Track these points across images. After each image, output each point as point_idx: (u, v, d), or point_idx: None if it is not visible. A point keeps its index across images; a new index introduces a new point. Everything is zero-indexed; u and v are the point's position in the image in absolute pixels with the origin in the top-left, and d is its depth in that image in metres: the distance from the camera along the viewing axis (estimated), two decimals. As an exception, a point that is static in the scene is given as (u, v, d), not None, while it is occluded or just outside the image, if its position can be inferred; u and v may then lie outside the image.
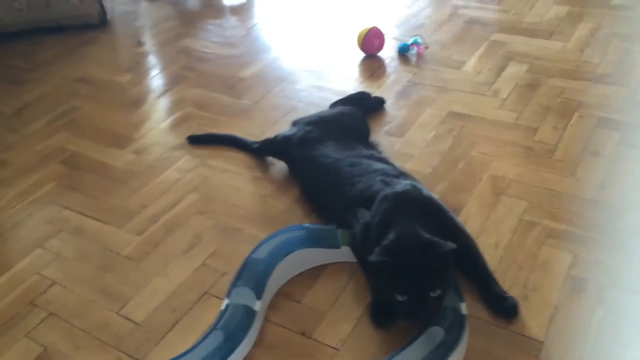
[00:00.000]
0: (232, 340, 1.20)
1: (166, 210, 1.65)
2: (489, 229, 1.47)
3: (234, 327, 1.22)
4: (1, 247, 1.59)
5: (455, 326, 1.17)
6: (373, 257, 1.16)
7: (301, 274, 1.41)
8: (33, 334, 1.32)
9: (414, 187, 1.36)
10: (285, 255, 1.37)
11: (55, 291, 1.43)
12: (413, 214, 1.26)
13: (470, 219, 1.50)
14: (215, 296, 1.37)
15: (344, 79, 2.22)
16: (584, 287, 1.30)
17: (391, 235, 1.20)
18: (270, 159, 1.81)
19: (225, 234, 1.55)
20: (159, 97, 2.27)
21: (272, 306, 1.33)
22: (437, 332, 1.15)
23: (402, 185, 1.35)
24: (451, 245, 1.14)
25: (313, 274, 1.40)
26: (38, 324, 1.34)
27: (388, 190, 1.33)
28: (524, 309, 1.26)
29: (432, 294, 1.14)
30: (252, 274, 1.33)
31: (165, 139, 1.98)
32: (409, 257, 1.15)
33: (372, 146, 1.70)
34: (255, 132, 1.95)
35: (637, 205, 1.49)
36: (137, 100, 2.25)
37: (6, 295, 1.43)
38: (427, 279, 1.14)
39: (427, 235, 1.18)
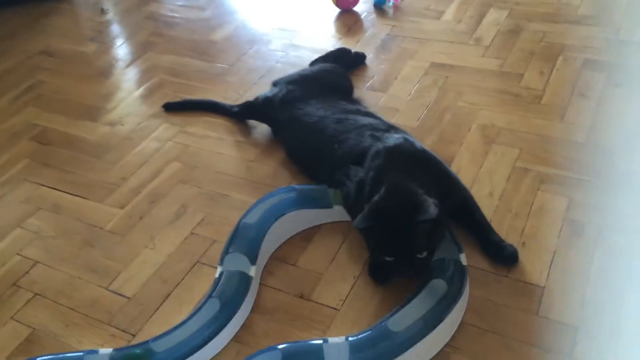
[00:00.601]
0: (229, 307, 1.16)
1: (148, 182, 1.59)
2: (482, 178, 1.44)
3: (230, 294, 1.18)
4: (-24, 230, 1.52)
5: (457, 277, 1.15)
6: (355, 223, 1.14)
7: (294, 236, 1.37)
8: (19, 316, 1.26)
9: (406, 140, 1.31)
10: (277, 218, 1.32)
11: (39, 271, 1.37)
12: (407, 168, 1.22)
13: (462, 170, 1.47)
14: (208, 265, 1.32)
15: (320, 36, 2.15)
16: (581, 230, 1.29)
17: (377, 197, 1.16)
18: (252, 122, 1.75)
19: (212, 201, 1.50)
20: (128, 65, 2.17)
21: (267, 271, 1.29)
22: (439, 285, 1.12)
23: (393, 139, 1.31)
24: (432, 214, 1.08)
25: (307, 236, 1.36)
26: (24, 306, 1.28)
27: (380, 145, 1.28)
28: (523, 256, 1.24)
29: (418, 255, 1.12)
30: (245, 240, 1.28)
31: (139, 109, 1.90)
32: (393, 220, 1.12)
33: (356, 102, 1.65)
34: (233, 95, 1.88)
35: (629, 145, 1.48)
36: (105, 71, 2.14)
37: (-14, 279, 1.37)
38: (411, 242, 1.11)
39: (418, 195, 1.13)
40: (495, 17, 2.07)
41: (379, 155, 1.27)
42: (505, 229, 1.31)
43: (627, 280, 1.17)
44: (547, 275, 1.20)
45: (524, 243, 1.27)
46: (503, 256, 1.24)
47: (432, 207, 1.10)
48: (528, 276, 1.21)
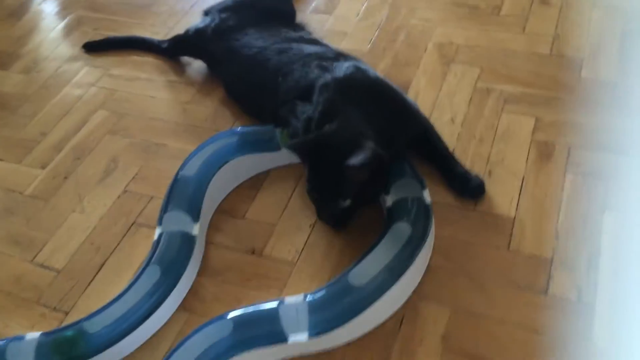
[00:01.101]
0: (171, 273, 1.03)
1: (71, 135, 1.41)
2: (442, 103, 1.31)
3: (171, 258, 1.05)
4: None
5: (421, 218, 1.04)
6: (288, 144, 1.07)
7: (240, 185, 1.23)
8: None
9: (358, 68, 1.16)
10: (220, 167, 1.18)
11: (-48, 249, 1.21)
12: (359, 101, 1.09)
13: (420, 95, 1.34)
14: (146, 225, 1.18)
15: (256, -46, 1.92)
16: (550, 151, 1.19)
17: (326, 128, 1.04)
18: (185, 59, 1.56)
19: (146, 153, 1.33)
20: (41, 3, 1.91)
21: (212, 227, 1.16)
22: (402, 228, 1.01)
23: (344, 68, 1.15)
24: (360, 162, 0.95)
25: (254, 184, 1.23)
26: (-64, 292, 1.13)
27: (328, 77, 1.13)
28: (491, 186, 1.14)
29: (341, 202, 1.03)
30: (184, 195, 1.14)
31: (57, 51, 1.68)
32: (325, 156, 1.02)
33: (299, 28, 1.47)
34: (162, 29, 1.67)
35: (595, 54, 1.36)
36: (16, 11, 1.89)
37: None
38: (335, 185, 1.02)
39: (360, 139, 1.00)
40: None
41: (327, 87, 1.12)
42: (469, 157, 1.20)
43: (601, 202, 1.08)
44: (517, 205, 1.11)
45: (490, 172, 1.17)
46: (469, 188, 1.14)
47: (365, 156, 0.96)
48: (497, 208, 1.11)
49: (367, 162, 0.96)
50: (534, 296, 0.97)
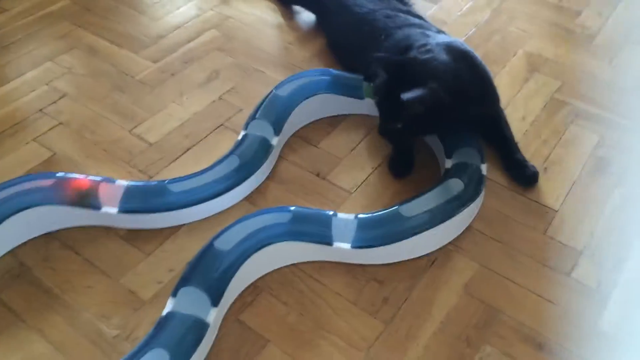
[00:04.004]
0: (247, 167, 1.18)
1: (184, 43, 1.58)
2: (518, 102, 1.42)
3: (250, 156, 1.20)
4: (10, 55, 1.53)
5: (474, 182, 1.15)
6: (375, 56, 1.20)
7: (320, 119, 1.37)
8: (42, 139, 1.30)
9: (458, 41, 1.28)
10: (308, 97, 1.32)
11: (66, 103, 1.39)
12: (452, 64, 1.17)
13: (500, 90, 1.44)
14: (231, 129, 1.33)
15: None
16: (605, 167, 1.27)
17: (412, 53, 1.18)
18: (296, 7, 1.71)
19: (245, 73, 1.49)
20: None
21: (288, 146, 1.30)
22: (455, 184, 1.13)
23: (444, 37, 1.27)
24: (413, 96, 1.07)
25: (332, 122, 1.36)
26: (47, 131, 1.32)
27: (429, 40, 1.25)
28: (543, 180, 1.24)
29: (395, 123, 1.16)
30: (273, 110, 1.28)
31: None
32: (397, 80, 1.14)
33: (407, 4, 1.60)
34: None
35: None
36: None
37: (15, 100, 1.39)
38: (396, 107, 1.11)
39: (433, 79, 1.11)
40: (565, -48, 1.97)
41: (424, 47, 1.21)
42: (530, 152, 1.30)
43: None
44: (563, 201, 1.20)
45: (546, 168, 1.27)
46: (523, 175, 1.24)
47: (422, 94, 1.08)
48: (543, 198, 1.21)
49: (421, 99, 1.08)
50: (556, 274, 1.07)
